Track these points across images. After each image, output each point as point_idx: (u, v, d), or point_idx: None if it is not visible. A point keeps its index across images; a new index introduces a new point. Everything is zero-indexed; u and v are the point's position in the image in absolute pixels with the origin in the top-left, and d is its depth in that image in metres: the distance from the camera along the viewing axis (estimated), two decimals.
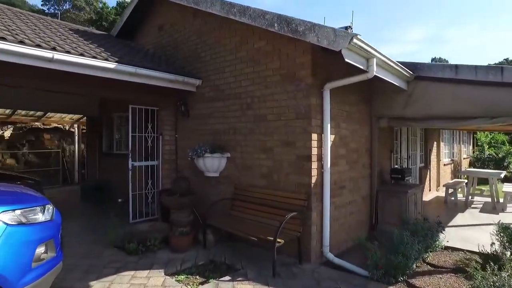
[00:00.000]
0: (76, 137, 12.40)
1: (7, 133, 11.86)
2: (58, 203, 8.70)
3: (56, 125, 12.72)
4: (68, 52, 4.27)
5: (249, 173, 5.20)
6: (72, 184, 12.00)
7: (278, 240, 3.90)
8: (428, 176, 10.07)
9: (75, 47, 4.66)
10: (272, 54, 4.91)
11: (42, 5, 35.49)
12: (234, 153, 5.44)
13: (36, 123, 12.16)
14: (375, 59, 4.10)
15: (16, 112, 10.69)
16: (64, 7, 35.46)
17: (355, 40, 3.65)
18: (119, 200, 8.44)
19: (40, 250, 2.66)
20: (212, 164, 5.36)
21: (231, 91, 5.53)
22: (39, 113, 11.10)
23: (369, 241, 4.56)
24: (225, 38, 5.69)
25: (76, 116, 11.85)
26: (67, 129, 13.07)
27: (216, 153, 5.31)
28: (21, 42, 3.91)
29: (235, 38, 5.47)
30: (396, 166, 7.40)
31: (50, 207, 3.04)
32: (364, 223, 5.82)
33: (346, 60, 3.79)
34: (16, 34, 4.18)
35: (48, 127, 12.55)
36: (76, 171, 12.34)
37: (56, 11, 33.83)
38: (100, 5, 34.65)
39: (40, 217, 2.82)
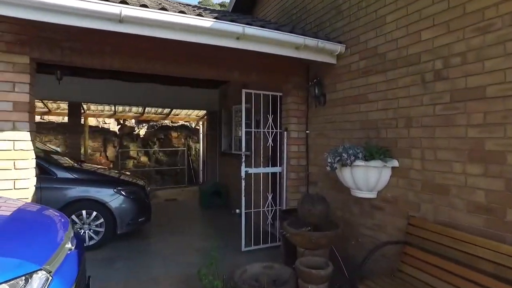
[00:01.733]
0: (201, 135, 12.06)
1: (142, 131, 12.40)
2: (176, 207, 8.05)
3: (183, 122, 12.72)
4: (144, 6, 2.87)
5: (440, 198, 2.86)
6: (196, 184, 11.66)
7: None
8: None
9: (159, 3, 3.26)
10: None
11: None
12: (406, 160, 3.18)
13: (165, 121, 12.35)
14: None
15: (146, 111, 10.87)
16: None
17: None
18: (237, 211, 7.17)
19: None
20: (367, 177, 3.24)
21: (398, 53, 3.28)
22: (166, 111, 11.07)
23: None
24: None
25: (201, 113, 11.45)
26: (193, 126, 12.95)
27: (374, 160, 3.17)
28: None
29: None
30: None
31: (39, 277, 1.48)
32: None
33: None
34: None
35: (175, 124, 12.64)
36: (200, 170, 12.00)
37: None
38: None
39: None
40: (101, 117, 10.87)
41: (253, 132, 4.94)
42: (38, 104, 9.49)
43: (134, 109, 10.67)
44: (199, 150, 12.33)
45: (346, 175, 3.40)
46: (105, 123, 11.93)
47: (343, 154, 3.23)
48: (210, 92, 8.85)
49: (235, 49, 3.45)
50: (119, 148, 11.43)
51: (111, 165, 11.24)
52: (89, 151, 11.01)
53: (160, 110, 10.98)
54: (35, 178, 3.57)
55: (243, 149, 4.70)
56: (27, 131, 3.33)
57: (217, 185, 8.07)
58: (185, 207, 8.03)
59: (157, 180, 11.34)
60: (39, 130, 10.61)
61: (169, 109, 10.82)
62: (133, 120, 12.35)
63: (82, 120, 10.83)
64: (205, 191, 7.89)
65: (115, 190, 4.81)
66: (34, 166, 3.55)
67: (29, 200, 3.38)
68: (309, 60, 4.08)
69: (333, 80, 4.24)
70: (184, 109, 9.41)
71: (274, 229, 5.15)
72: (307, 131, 4.79)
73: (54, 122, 10.83)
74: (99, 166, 6.24)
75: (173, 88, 8.37)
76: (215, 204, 7.90)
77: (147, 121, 12.47)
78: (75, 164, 5.32)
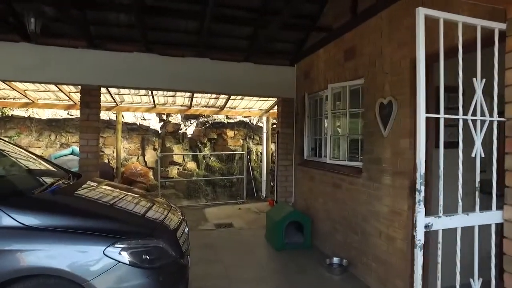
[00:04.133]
0: (265, 134, 9.41)
1: (190, 130, 10.10)
2: (231, 243, 4.47)
3: (241, 118, 10.16)
4: None
5: None
6: (258, 199, 9.01)
7: None
8: None
9: None
10: None
11: None
12: None
13: (218, 116, 9.90)
14: None
15: (195, 102, 8.48)
16: None
17: None
18: (334, 261, 4.33)
19: None
20: None
21: None
22: (220, 102, 8.60)
23: None
24: None
25: (266, 105, 8.82)
26: (254, 123, 10.35)
27: None
28: None
29: None
30: None
31: None
32: None
33: None
34: None
35: (231, 121, 10.13)
36: (263, 181, 9.33)
37: None
38: None
39: None
40: (138, 111, 8.72)
41: (444, 120, 2.03)
42: (60, 95, 7.52)
43: (179, 100, 8.35)
44: (261, 154, 9.69)
45: None
46: (144, 119, 9.84)
47: None
48: (283, 71, 6.15)
49: None
50: (161, 151, 9.21)
51: (151, 174, 9.04)
52: (123, 154, 8.93)
53: (212, 101, 8.55)
54: None
55: (421, 167, 1.81)
56: None
57: (296, 213, 5.28)
58: (245, 245, 5.35)
59: (207, 194, 8.90)
60: (65, 129, 8.75)
61: (224, 100, 8.34)
62: (178, 115, 10.10)
63: (115, 115, 8.79)
64: (277, 222, 5.13)
65: (107, 251, 2.23)
66: None
67: None
68: None
69: None
70: (246, 95, 6.83)
71: None
72: None
73: None
74: (112, 186, 3.74)
75: (231, 65, 5.82)
76: (293, 243, 5.15)
77: (196, 117, 10.13)
78: (59, 186, 2.86)
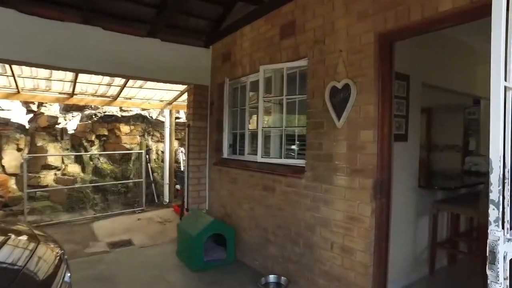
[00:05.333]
0: (167, 130, 8.19)
1: (72, 124, 8.15)
2: (133, 269, 3.86)
3: (139, 111, 8.68)
4: None
5: None
6: (160, 205, 7.78)
7: None
8: None
9: None
10: None
11: None
12: None
13: (109, 107, 8.24)
14: None
15: (79, 89, 6.74)
16: None
17: None
18: (270, 281, 3.55)
19: None
20: None
21: None
22: (113, 91, 7.05)
23: None
24: None
25: (168, 95, 7.63)
26: (153, 117, 8.97)
27: None
28: None
29: None
30: None
31: None
32: None
33: None
34: None
35: (126, 114, 8.55)
36: (166, 184, 8.10)
37: None
38: None
39: None
40: None
41: None
42: None
43: (56, 85, 6.47)
44: (163, 153, 8.41)
45: None
46: (3, 110, 7.49)
47: None
48: (197, 52, 5.16)
49: None
50: (29, 151, 7.14)
51: (13, 183, 6.91)
52: None
53: (102, 89, 6.91)
54: None
55: (508, 162, 1.11)
56: None
57: (217, 223, 4.35)
58: (152, 270, 4.20)
59: (96, 203, 7.26)
60: None
61: (118, 88, 6.82)
62: (56, 106, 8.03)
63: None
64: (195, 238, 4.13)
65: None
66: None
67: None
68: None
69: None
70: (150, 79, 5.54)
71: None
72: None
73: None
74: None
75: (132, 40, 4.59)
76: (214, 261, 4.23)
77: (80, 108, 8.21)
78: None
